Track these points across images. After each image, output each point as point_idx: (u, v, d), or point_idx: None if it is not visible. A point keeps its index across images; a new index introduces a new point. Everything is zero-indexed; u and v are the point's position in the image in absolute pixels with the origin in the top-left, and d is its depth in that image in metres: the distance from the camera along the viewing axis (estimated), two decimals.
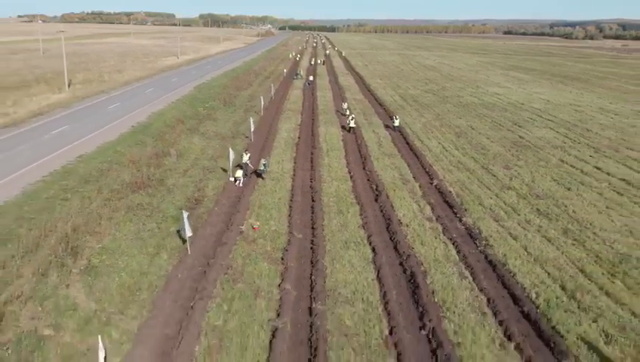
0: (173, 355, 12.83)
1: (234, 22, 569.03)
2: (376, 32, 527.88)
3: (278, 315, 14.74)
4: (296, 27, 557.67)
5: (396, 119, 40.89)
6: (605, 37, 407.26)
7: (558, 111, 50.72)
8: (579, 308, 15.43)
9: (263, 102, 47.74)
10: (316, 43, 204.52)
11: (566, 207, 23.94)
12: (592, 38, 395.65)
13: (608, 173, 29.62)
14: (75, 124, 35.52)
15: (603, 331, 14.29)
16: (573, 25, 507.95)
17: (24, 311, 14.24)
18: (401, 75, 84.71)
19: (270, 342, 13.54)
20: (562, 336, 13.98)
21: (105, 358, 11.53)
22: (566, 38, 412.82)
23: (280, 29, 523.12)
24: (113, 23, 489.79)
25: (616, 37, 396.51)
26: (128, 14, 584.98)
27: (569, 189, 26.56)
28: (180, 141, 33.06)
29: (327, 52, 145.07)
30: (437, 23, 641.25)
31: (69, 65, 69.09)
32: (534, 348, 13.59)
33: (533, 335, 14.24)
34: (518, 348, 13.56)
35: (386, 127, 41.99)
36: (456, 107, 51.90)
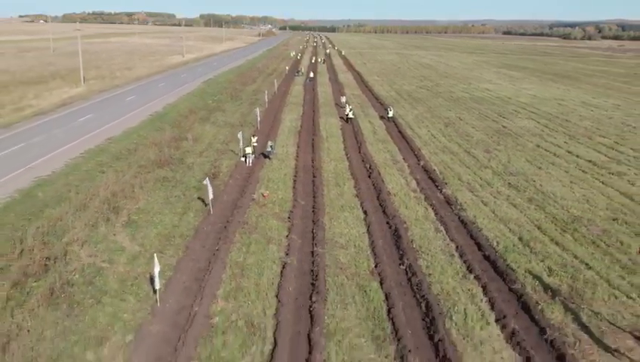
0: (205, 280, 16.41)
1: (235, 22, 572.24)
2: (376, 32, 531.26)
3: (287, 254, 18.34)
4: (296, 27, 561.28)
5: (390, 110, 44.50)
6: (604, 37, 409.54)
7: (542, 104, 54.32)
8: (531, 252, 19.02)
9: (267, 96, 51.33)
10: (316, 43, 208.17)
11: (534, 181, 27.53)
12: (590, 39, 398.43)
13: (578, 156, 33.21)
14: (99, 113, 39.21)
15: (547, 267, 17.86)
16: (572, 25, 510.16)
17: (82, 250, 17.85)
18: (397, 72, 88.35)
19: (281, 271, 17.14)
20: (513, 270, 17.56)
21: (156, 277, 15.04)
22: (564, 38, 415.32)
23: (281, 29, 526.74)
24: (114, 23, 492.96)
25: (615, 37, 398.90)
26: (129, 14, 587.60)
27: (540, 168, 30.16)
28: (194, 128, 36.67)
29: (328, 51, 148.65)
30: (437, 24, 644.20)
31: (78, 65, 72.66)
32: (490, 278, 17.17)
33: (490, 270, 17.82)
34: (477, 277, 17.13)
35: (381, 117, 45.55)
36: (447, 101, 55.52)
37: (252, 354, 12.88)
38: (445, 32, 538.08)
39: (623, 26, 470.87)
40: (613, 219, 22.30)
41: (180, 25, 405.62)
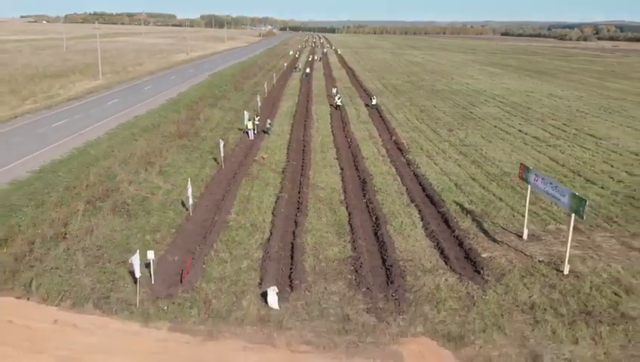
0: (221, 204, 22.95)
1: (235, 23, 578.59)
2: (375, 33, 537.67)
3: (280, 192, 24.94)
4: (296, 28, 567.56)
5: (374, 98, 51.11)
6: (600, 38, 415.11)
7: (512, 96, 60.92)
8: (461, 192, 25.61)
9: (266, 88, 57.92)
10: (315, 43, 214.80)
11: (481, 150, 34.12)
12: (585, 40, 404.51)
13: (526, 133, 39.79)
14: (123, 98, 46.00)
15: (470, 200, 24.43)
16: (572, 27, 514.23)
17: (130, 187, 24.43)
18: (388, 69, 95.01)
19: (275, 201, 23.74)
20: (444, 201, 24.13)
21: (190, 196, 21.55)
22: (560, 39, 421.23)
23: (281, 29, 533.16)
24: (116, 24, 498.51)
25: (611, 38, 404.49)
26: (130, 15, 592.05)
27: (490, 142, 36.76)
28: (204, 111, 43.29)
29: (325, 50, 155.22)
30: (437, 25, 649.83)
31: (95, 60, 79.33)
32: (425, 205, 23.75)
33: (427, 201, 24.40)
34: (416, 205, 23.70)
35: (366, 105, 52.13)
36: (427, 93, 62.16)
37: (255, 239, 19.47)
38: (444, 33, 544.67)
39: (622, 27, 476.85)
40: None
41: (181, 25, 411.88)
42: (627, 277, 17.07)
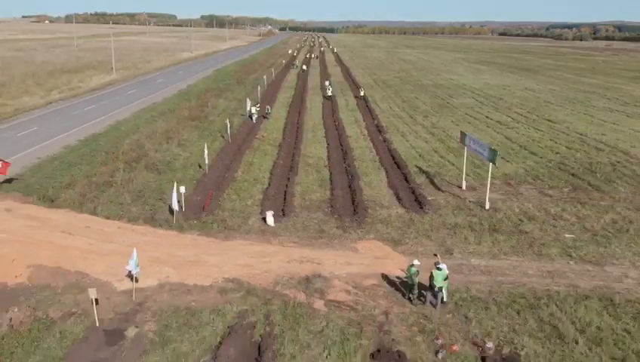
0: (230, 167, 28.99)
1: (235, 23, 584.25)
2: (374, 33, 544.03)
3: (277, 159, 31.01)
4: (296, 28, 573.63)
5: (362, 90, 57.13)
6: (596, 38, 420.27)
7: (489, 89, 66.96)
8: (422, 159, 31.67)
9: (266, 82, 63.95)
10: (314, 42, 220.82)
11: (449, 132, 40.14)
12: (581, 39, 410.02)
13: (491, 119, 45.81)
14: (140, 89, 52.22)
15: (428, 165, 30.46)
16: (571, 27, 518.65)
17: (157, 154, 30.47)
18: (380, 66, 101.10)
19: (273, 165, 29.82)
20: (407, 166, 30.17)
21: (206, 157, 27.53)
22: (557, 39, 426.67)
23: (281, 29, 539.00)
24: (118, 24, 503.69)
25: (607, 38, 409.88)
26: (130, 15, 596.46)
27: (457, 125, 42.78)
28: (211, 100, 49.36)
29: (322, 49, 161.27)
30: (437, 25, 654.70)
31: (106, 57, 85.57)
32: (392, 168, 29.82)
33: (394, 166, 30.45)
34: (385, 169, 29.76)
35: (356, 97, 58.20)
36: (412, 87, 68.23)
37: (257, 188, 25.55)
38: (442, 33, 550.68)
39: (620, 28, 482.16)
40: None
41: (181, 25, 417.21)
42: (534, 211, 23.17)
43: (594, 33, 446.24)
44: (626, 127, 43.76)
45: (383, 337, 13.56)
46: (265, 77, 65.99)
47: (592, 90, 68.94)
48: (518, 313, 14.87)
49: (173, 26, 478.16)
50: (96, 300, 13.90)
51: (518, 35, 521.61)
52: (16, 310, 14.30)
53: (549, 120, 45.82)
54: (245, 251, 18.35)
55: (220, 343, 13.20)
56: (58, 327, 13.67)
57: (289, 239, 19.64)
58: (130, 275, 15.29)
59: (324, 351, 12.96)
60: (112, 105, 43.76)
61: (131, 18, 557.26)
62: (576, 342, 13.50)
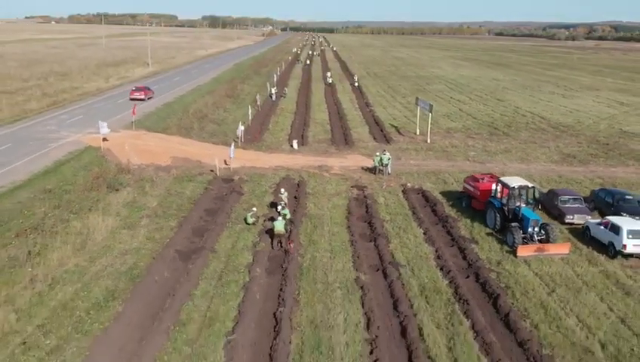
0: (263, 122, 43.16)
1: (237, 23, 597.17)
2: (372, 33, 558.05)
3: (294, 119, 45.28)
4: (297, 28, 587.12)
5: (356, 78, 71.39)
6: (588, 38, 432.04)
7: (462, 79, 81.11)
8: (394, 120, 45.85)
9: (277, 73, 78.10)
10: (314, 41, 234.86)
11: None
12: (574, 39, 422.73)
13: (453, 98, 59.96)
14: (182, 76, 66.61)
15: (398, 124, 44.64)
16: (568, 27, 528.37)
17: (213, 115, 44.58)
18: (374, 62, 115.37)
19: (291, 123, 44.09)
20: (383, 123, 44.32)
21: (249, 115, 41.58)
22: (550, 39, 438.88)
23: (282, 30, 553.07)
24: (121, 24, 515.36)
25: (600, 38, 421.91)
26: (133, 16, 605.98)
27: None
28: (237, 85, 63.53)
29: (322, 48, 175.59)
30: (435, 25, 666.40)
31: (133, 54, 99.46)
32: (371, 125, 44.03)
33: (374, 123, 44.68)
34: (368, 125, 43.96)
35: (351, 85, 72.37)
36: (398, 77, 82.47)
37: (284, 133, 39.76)
38: (440, 34, 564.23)
39: (617, 28, 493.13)
40: (446, 115, 49.17)
41: (183, 26, 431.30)
42: (457, 143, 37.48)
43: (589, 33, 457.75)
44: (557, 103, 58.04)
45: (357, 182, 27.80)
46: (278, 69, 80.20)
47: (548, 81, 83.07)
48: (426, 176, 29.12)
49: (176, 26, 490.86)
50: (215, 167, 28.07)
51: (514, 35, 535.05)
52: (173, 170, 28.47)
53: (498, 99, 60.07)
54: (283, 158, 32.53)
55: (278, 184, 27.36)
56: (196, 179, 27.80)
57: (307, 154, 33.83)
58: (224, 162, 29.38)
59: (328, 185, 27.17)
60: (168, 87, 57.72)
61: (133, 19, 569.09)
62: (453, 184, 27.75)
